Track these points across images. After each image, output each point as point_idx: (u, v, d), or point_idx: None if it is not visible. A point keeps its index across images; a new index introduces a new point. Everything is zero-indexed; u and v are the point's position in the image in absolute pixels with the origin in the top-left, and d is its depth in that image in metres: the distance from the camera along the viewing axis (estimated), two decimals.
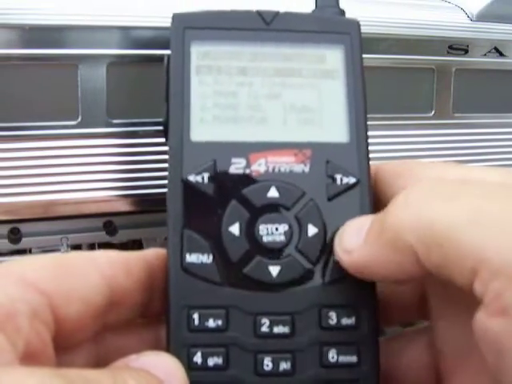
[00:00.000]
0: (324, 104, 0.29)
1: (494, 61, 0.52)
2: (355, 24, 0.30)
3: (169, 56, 0.28)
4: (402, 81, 0.49)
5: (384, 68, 0.48)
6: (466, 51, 0.50)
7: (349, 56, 0.29)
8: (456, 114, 0.51)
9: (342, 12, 0.33)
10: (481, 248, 0.20)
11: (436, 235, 0.22)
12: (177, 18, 0.29)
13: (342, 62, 0.29)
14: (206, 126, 0.28)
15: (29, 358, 0.21)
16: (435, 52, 0.49)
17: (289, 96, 0.29)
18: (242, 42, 0.29)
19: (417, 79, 0.50)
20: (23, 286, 0.22)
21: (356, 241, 0.25)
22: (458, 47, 0.50)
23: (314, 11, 0.33)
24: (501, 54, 0.52)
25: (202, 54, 0.28)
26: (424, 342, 0.29)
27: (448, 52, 0.50)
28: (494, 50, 0.51)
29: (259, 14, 0.29)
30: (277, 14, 0.29)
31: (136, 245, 0.49)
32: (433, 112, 0.50)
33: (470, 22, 0.51)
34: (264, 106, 0.28)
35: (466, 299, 0.22)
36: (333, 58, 0.29)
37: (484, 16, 0.51)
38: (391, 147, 0.49)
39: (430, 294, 0.28)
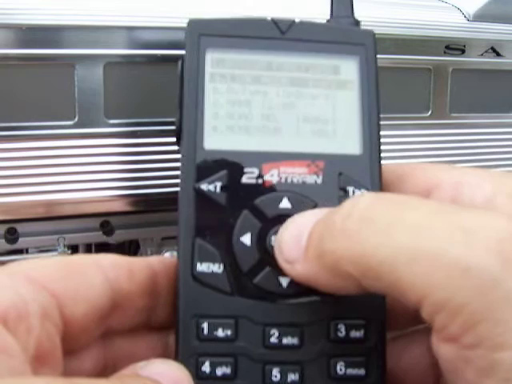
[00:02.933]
0: (338, 115, 0.29)
1: (490, 61, 0.52)
2: (370, 35, 0.30)
3: (182, 61, 0.28)
4: (398, 81, 0.49)
5: (381, 68, 0.47)
6: (463, 51, 0.50)
7: (363, 67, 0.29)
8: (453, 114, 0.51)
9: (357, 22, 0.33)
10: (421, 284, 0.21)
11: (374, 268, 0.22)
12: (192, 24, 0.29)
13: (357, 73, 0.29)
14: (219, 134, 0.28)
15: (39, 360, 0.21)
16: (432, 52, 0.49)
17: (303, 106, 0.29)
18: (257, 50, 0.29)
19: (414, 79, 0.50)
20: (33, 285, 0.22)
21: (297, 253, 0.25)
22: (454, 47, 0.50)
23: (328, 21, 0.33)
24: (497, 54, 0.52)
25: (216, 62, 0.28)
26: (425, 342, 0.29)
27: (445, 52, 0.50)
28: (490, 50, 0.52)
29: (275, 22, 0.29)
30: (292, 23, 0.29)
31: (133, 245, 0.49)
32: (430, 112, 0.50)
33: (466, 22, 0.51)
34: (278, 115, 0.28)
35: None
36: (347, 68, 0.29)
37: (481, 16, 0.52)
38: (388, 147, 0.49)
39: None
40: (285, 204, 0.27)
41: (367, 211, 0.23)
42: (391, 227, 0.22)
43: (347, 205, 0.23)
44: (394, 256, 0.21)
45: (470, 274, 0.20)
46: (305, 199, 0.27)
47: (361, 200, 0.23)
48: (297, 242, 0.25)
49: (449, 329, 0.20)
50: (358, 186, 0.28)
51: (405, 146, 0.50)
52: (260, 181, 0.27)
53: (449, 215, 0.22)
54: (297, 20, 0.29)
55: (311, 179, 0.28)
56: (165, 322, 0.27)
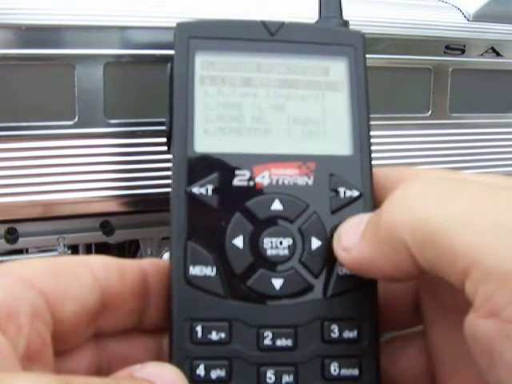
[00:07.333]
0: (328, 116, 0.29)
1: (490, 61, 0.52)
2: (359, 36, 0.30)
3: (172, 64, 0.28)
4: (398, 81, 0.49)
5: (381, 68, 0.48)
6: (463, 51, 0.50)
7: (353, 68, 0.29)
8: (453, 114, 0.51)
9: (346, 23, 0.33)
10: (474, 249, 0.20)
11: (430, 233, 0.22)
12: (181, 27, 0.29)
13: (346, 74, 0.29)
14: (210, 137, 0.28)
15: (29, 358, 0.21)
16: (432, 52, 0.49)
17: (293, 108, 0.29)
18: (246, 52, 0.29)
19: (414, 79, 0.50)
20: (23, 284, 0.22)
21: (354, 238, 0.25)
22: (454, 47, 0.50)
23: (317, 21, 0.33)
24: (498, 54, 0.52)
25: (206, 64, 0.28)
26: (419, 345, 0.29)
27: (445, 52, 0.50)
28: (490, 50, 0.52)
29: (264, 24, 0.29)
30: (282, 24, 0.29)
31: (133, 245, 0.49)
32: (430, 112, 0.50)
33: (466, 22, 0.51)
34: (268, 117, 0.28)
35: (457, 306, 0.22)
36: (337, 70, 0.29)
37: (481, 16, 0.52)
38: (388, 147, 0.49)
39: (423, 301, 0.28)
40: (276, 206, 0.27)
41: (426, 185, 0.23)
42: (449, 196, 0.22)
43: (405, 185, 0.24)
44: (452, 221, 0.21)
45: None
46: (296, 201, 0.27)
47: (420, 180, 0.24)
48: (356, 230, 0.25)
49: (493, 300, 0.20)
50: (349, 187, 0.28)
51: (405, 146, 0.50)
52: (251, 183, 0.27)
53: (506, 191, 0.22)
54: (286, 21, 0.29)
55: (302, 181, 0.28)
56: (157, 324, 0.27)
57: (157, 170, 0.42)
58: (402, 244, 0.23)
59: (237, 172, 0.27)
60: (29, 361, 0.21)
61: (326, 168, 0.28)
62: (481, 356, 0.21)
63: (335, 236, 0.27)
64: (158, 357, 0.27)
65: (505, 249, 0.20)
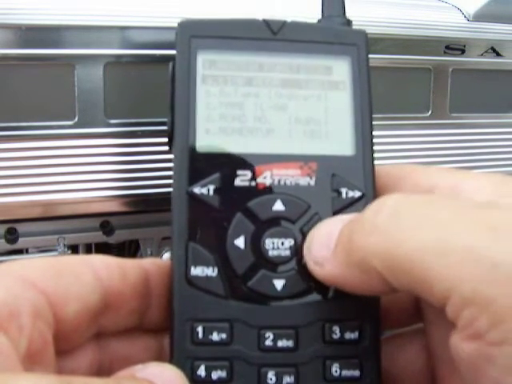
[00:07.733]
0: (330, 116, 0.29)
1: (490, 61, 0.52)
2: (362, 35, 0.30)
3: (174, 64, 0.28)
4: (398, 81, 0.49)
5: (381, 68, 0.48)
6: (463, 51, 0.50)
7: (355, 67, 0.29)
8: (453, 114, 0.51)
9: (349, 22, 0.33)
10: (450, 277, 0.20)
11: (402, 263, 0.22)
12: (183, 25, 0.28)
13: (349, 74, 0.29)
14: (211, 137, 0.28)
15: (31, 358, 0.21)
16: (432, 52, 0.49)
17: (295, 107, 0.29)
18: (248, 51, 0.29)
19: (414, 79, 0.50)
20: (24, 284, 0.22)
21: (326, 253, 0.25)
22: (454, 47, 0.50)
23: (320, 20, 0.33)
24: (498, 54, 0.52)
25: (208, 64, 0.28)
26: (419, 343, 0.29)
27: (445, 52, 0.50)
28: (490, 50, 0.52)
29: (266, 23, 0.29)
30: (284, 23, 0.29)
31: (133, 245, 0.49)
32: (430, 112, 0.50)
33: (466, 22, 0.51)
34: (270, 117, 0.28)
35: None
36: (339, 69, 0.29)
37: (481, 16, 0.52)
38: (388, 147, 0.49)
39: (422, 300, 0.28)
40: (278, 206, 0.27)
41: (396, 208, 0.23)
42: (420, 223, 0.22)
43: (376, 203, 0.24)
44: (424, 249, 0.21)
45: (499, 270, 0.20)
46: (298, 201, 0.27)
47: (390, 198, 0.24)
48: (326, 242, 0.25)
49: (475, 324, 0.20)
50: (351, 188, 0.28)
51: (405, 146, 0.50)
52: (253, 183, 0.27)
53: (477, 212, 0.22)
54: (288, 20, 0.29)
55: (304, 181, 0.27)
56: (158, 324, 0.27)
57: (157, 170, 0.42)
58: (373, 270, 0.23)
59: (238, 172, 0.27)
60: (30, 361, 0.21)
61: (328, 168, 0.28)
62: (467, 372, 0.22)
63: (305, 244, 0.26)
64: (159, 357, 0.27)
65: (481, 274, 0.20)
